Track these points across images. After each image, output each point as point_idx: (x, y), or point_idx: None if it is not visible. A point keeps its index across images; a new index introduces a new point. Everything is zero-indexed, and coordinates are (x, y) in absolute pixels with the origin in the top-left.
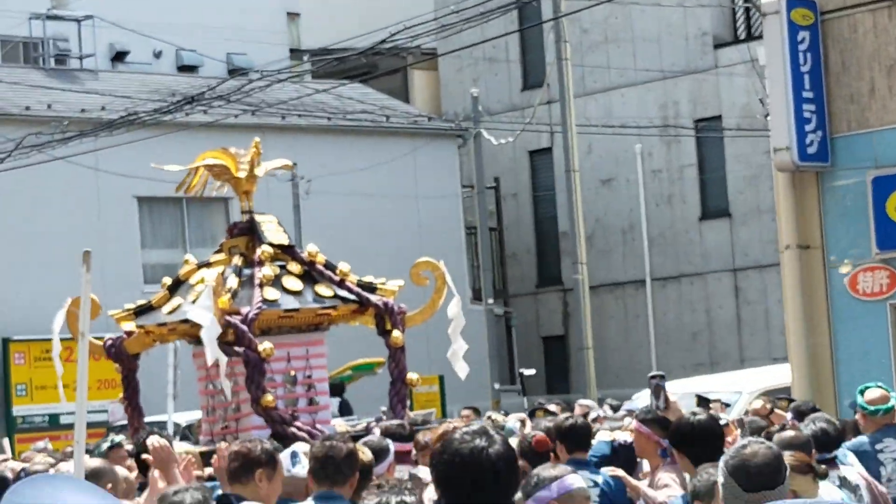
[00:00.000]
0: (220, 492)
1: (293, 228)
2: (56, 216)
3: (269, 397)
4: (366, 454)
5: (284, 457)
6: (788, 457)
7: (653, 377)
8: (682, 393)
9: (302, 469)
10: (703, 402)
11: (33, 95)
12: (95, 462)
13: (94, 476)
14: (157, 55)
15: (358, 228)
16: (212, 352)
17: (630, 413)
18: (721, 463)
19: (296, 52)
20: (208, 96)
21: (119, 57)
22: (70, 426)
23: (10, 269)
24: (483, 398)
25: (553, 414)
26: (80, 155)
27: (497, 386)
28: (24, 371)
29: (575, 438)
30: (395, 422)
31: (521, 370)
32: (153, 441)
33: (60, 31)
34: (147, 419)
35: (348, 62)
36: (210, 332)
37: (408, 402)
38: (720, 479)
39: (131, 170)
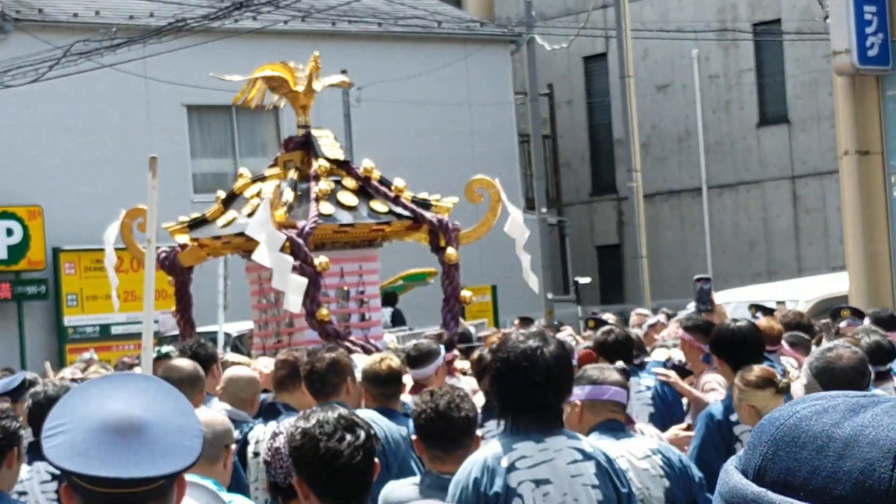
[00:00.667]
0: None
1: (344, 137)
2: (105, 125)
3: (324, 311)
4: (394, 361)
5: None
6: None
7: (698, 279)
8: (739, 302)
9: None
10: (759, 310)
11: (81, 2)
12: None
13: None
14: None
15: (409, 137)
16: (274, 262)
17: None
18: (805, 365)
19: None
20: (258, 2)
21: None
22: (120, 336)
23: (58, 180)
24: (536, 308)
25: (604, 324)
26: (129, 62)
27: (550, 296)
28: (74, 281)
29: (614, 352)
30: (435, 332)
31: (576, 279)
32: None
33: None
34: (198, 330)
35: None
36: (271, 243)
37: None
38: (803, 381)
39: (180, 77)
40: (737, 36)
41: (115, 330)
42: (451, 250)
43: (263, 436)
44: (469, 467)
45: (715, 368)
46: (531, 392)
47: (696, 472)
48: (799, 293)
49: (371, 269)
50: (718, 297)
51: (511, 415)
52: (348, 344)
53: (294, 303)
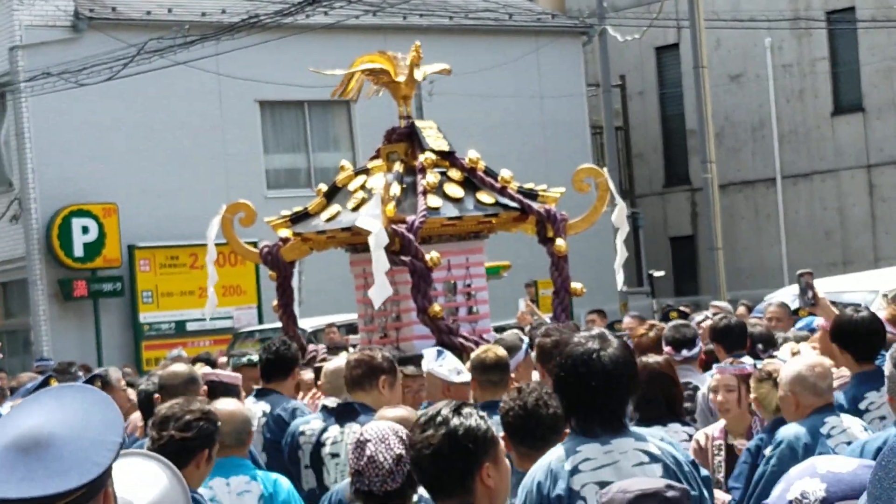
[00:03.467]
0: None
1: None
2: (178, 122)
3: (436, 307)
4: (500, 350)
5: (429, 353)
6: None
7: (801, 274)
8: (821, 291)
9: (441, 368)
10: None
11: (154, 0)
12: (183, 368)
13: (182, 386)
14: None
15: (481, 130)
16: (381, 261)
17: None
18: (888, 355)
19: None
20: None
21: None
22: (196, 333)
23: (133, 177)
24: (611, 301)
25: (685, 315)
26: (202, 59)
27: (625, 288)
28: (149, 278)
29: (732, 338)
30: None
31: (650, 271)
32: None
33: None
34: (272, 326)
35: None
36: (378, 240)
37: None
38: (887, 371)
39: (253, 73)
40: (810, 24)
41: (190, 326)
42: (559, 241)
43: (341, 437)
44: (534, 472)
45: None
46: (592, 396)
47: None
48: (878, 283)
49: (477, 262)
50: (794, 289)
51: (576, 418)
52: (460, 340)
53: (377, 298)
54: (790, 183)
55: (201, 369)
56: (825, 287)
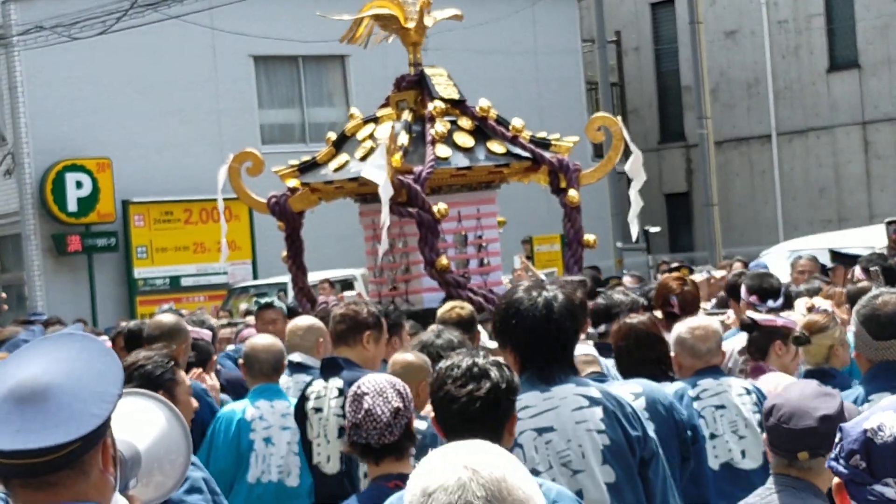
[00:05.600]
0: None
1: None
2: (172, 76)
3: (444, 260)
4: (464, 309)
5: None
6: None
7: (890, 223)
8: (812, 249)
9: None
10: (838, 257)
11: None
12: (169, 318)
13: (167, 335)
14: None
15: (476, 86)
16: (385, 213)
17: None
18: (853, 312)
19: None
20: None
21: None
22: (190, 288)
23: (127, 132)
24: (606, 257)
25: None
26: (195, 14)
27: (619, 244)
28: (144, 233)
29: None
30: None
31: (645, 227)
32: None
33: None
34: (267, 281)
35: None
36: (384, 192)
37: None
38: (852, 329)
39: (247, 28)
40: None
41: (185, 282)
42: (572, 192)
43: (324, 392)
44: None
45: None
46: (531, 343)
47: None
48: (874, 240)
49: (489, 213)
50: (789, 245)
51: (519, 367)
52: (468, 293)
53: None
54: (785, 140)
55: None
56: (821, 243)
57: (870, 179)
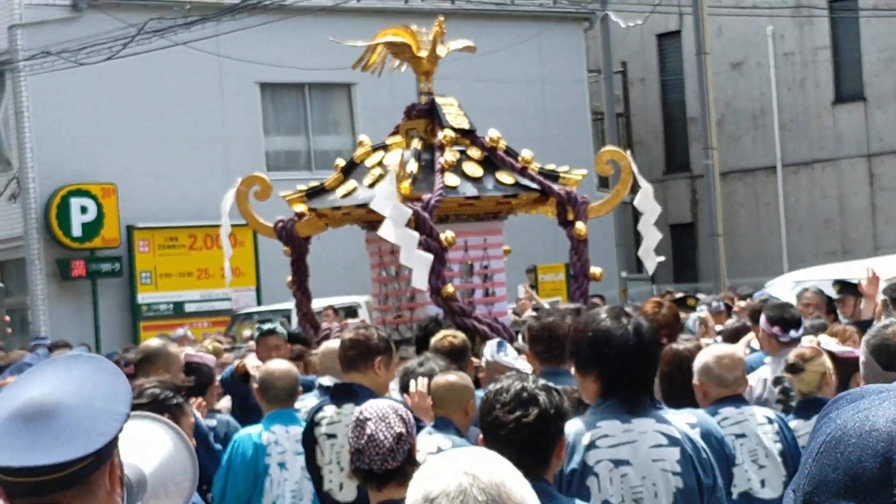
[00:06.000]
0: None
1: None
2: (178, 102)
3: (450, 288)
4: (457, 338)
5: (490, 345)
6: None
7: None
8: (816, 280)
9: (506, 357)
10: (845, 287)
11: None
12: (154, 343)
13: (147, 360)
14: None
15: (482, 115)
16: (400, 237)
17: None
18: (862, 342)
19: None
20: None
21: None
22: (194, 314)
23: (132, 158)
24: (610, 287)
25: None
26: (202, 40)
27: (624, 274)
28: (148, 259)
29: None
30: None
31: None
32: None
33: None
34: (270, 307)
35: None
36: (396, 218)
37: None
38: (861, 358)
39: (253, 55)
40: (812, 13)
41: (188, 307)
42: (580, 224)
43: (338, 417)
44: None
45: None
46: (616, 373)
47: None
48: (878, 271)
49: (496, 243)
50: (794, 276)
51: (600, 393)
52: (474, 322)
53: (421, 279)
54: (790, 171)
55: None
56: (826, 274)
57: (875, 211)
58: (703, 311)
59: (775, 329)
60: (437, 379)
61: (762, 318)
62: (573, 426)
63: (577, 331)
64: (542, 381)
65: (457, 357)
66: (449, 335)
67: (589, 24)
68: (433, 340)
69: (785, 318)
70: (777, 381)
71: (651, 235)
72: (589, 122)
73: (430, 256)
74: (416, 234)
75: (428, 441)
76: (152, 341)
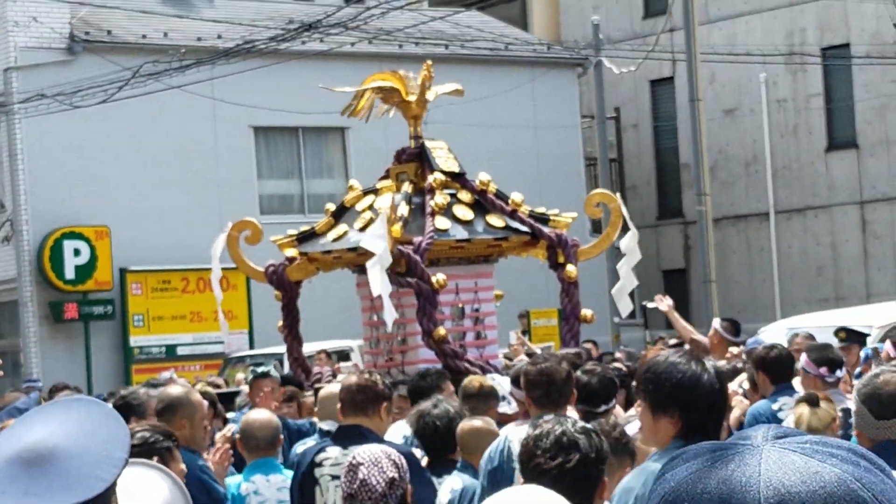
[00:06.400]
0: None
1: None
2: (172, 146)
3: (441, 330)
4: (485, 382)
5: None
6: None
7: None
8: (809, 327)
9: (509, 407)
10: (851, 334)
11: (149, 23)
12: (176, 391)
13: (169, 409)
14: None
15: (476, 159)
16: (379, 283)
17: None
18: (854, 391)
19: None
20: (325, 24)
21: None
22: (186, 357)
23: (126, 201)
24: (603, 332)
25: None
26: (197, 84)
27: (617, 319)
28: (141, 301)
29: (781, 369)
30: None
31: (644, 303)
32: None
33: None
34: (263, 351)
35: None
36: (381, 261)
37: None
38: (853, 407)
39: (247, 98)
40: (805, 60)
41: (181, 350)
42: (570, 267)
43: (343, 458)
44: (643, 476)
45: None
46: (704, 414)
47: None
48: (872, 319)
49: (486, 286)
50: (787, 323)
51: (677, 437)
52: (466, 364)
53: (388, 319)
54: (783, 218)
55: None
56: (820, 321)
57: (867, 259)
58: None
59: (822, 370)
60: (463, 424)
61: (805, 361)
62: (651, 468)
63: (655, 373)
64: (580, 425)
65: (485, 398)
66: (478, 378)
67: (582, 69)
68: (464, 382)
69: (831, 359)
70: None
71: (628, 278)
72: (582, 168)
73: (395, 316)
74: (390, 288)
75: (446, 483)
76: (174, 389)
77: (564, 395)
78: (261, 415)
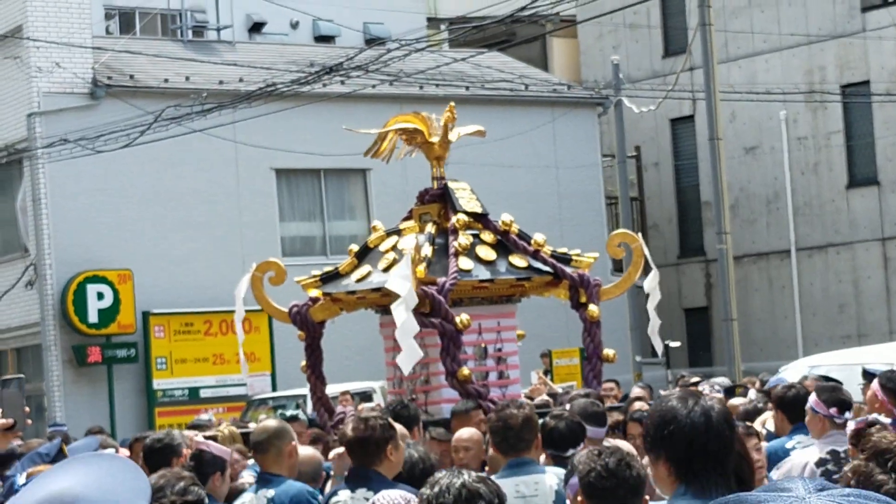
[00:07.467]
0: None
1: None
2: (195, 189)
3: (465, 370)
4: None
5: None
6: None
7: None
8: (831, 365)
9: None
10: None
11: (171, 68)
12: (273, 423)
13: (275, 436)
14: (294, 25)
15: (497, 199)
16: (405, 323)
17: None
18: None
19: (433, 21)
20: (346, 66)
21: (256, 28)
22: (209, 399)
23: (148, 244)
24: (625, 371)
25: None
26: (219, 127)
27: (639, 358)
28: (163, 344)
29: (799, 408)
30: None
31: (666, 342)
32: None
33: (198, 2)
34: (286, 393)
35: (486, 30)
36: (407, 302)
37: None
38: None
39: (269, 141)
40: (825, 98)
41: (203, 393)
42: (592, 307)
43: (351, 501)
44: None
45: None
46: (688, 455)
47: None
48: (891, 356)
49: (509, 326)
50: (808, 361)
51: (688, 481)
52: (489, 404)
53: (406, 364)
54: (805, 255)
55: (195, 436)
56: (841, 359)
57: (889, 295)
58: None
59: (832, 410)
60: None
61: (814, 401)
62: None
63: (648, 416)
64: (475, 474)
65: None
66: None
67: (603, 109)
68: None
69: (841, 400)
70: (821, 462)
71: (653, 317)
72: (603, 207)
73: (420, 354)
74: (416, 328)
75: None
76: (270, 422)
77: (523, 440)
78: (305, 451)
